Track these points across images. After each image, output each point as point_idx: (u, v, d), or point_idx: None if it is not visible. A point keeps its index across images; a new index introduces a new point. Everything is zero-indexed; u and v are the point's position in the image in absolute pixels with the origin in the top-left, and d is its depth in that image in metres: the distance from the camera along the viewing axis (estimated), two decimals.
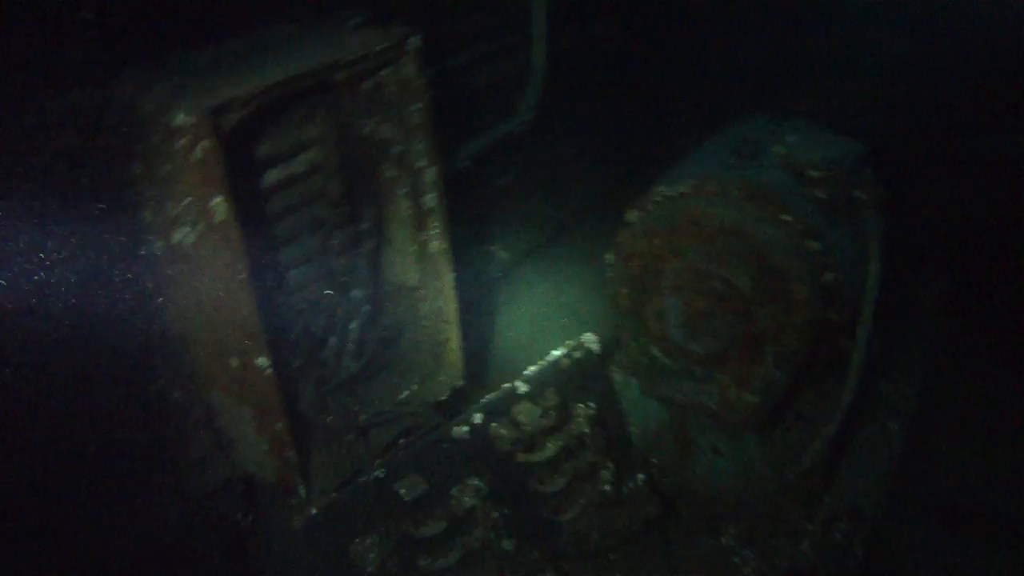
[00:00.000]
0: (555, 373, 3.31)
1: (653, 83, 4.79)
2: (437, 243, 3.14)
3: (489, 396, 3.17)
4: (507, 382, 3.24)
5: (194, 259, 2.57)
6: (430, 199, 3.09)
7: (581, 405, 3.34)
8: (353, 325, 3.05)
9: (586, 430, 3.31)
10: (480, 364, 3.59)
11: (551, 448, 3.22)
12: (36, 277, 2.43)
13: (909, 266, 4.45)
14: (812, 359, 3.40)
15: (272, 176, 2.79)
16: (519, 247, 4.10)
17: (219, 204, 2.45)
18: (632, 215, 3.46)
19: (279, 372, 2.68)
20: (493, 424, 3.12)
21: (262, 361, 2.62)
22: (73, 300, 2.52)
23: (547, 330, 3.96)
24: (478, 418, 3.11)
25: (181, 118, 2.37)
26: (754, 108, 4.07)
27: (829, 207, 3.43)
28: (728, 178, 3.37)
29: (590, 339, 3.42)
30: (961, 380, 4.33)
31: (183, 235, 2.55)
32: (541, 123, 4.02)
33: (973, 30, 4.39)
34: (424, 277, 3.19)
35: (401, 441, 3.07)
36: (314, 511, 2.79)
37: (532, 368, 3.27)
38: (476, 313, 3.63)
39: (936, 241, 4.72)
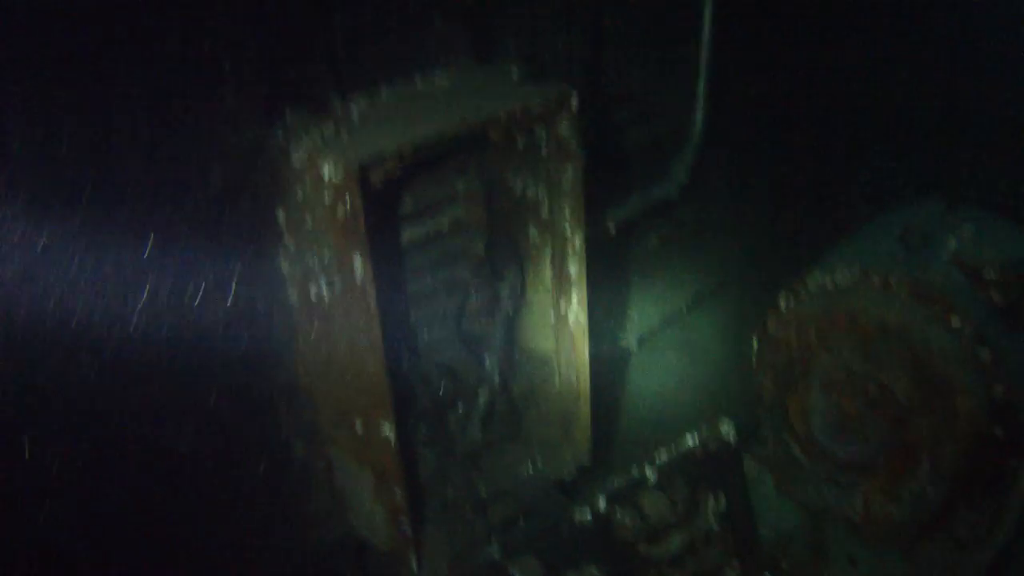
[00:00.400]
0: (686, 462, 3.12)
1: (813, 150, 4.56)
2: (576, 313, 2.99)
3: (615, 481, 3.01)
4: (635, 465, 3.07)
5: (327, 314, 2.51)
6: (574, 267, 2.96)
7: (711, 498, 3.15)
8: (482, 393, 2.93)
9: (714, 526, 3.11)
10: (608, 442, 3.43)
11: (676, 542, 3.04)
12: (174, 315, 2.42)
13: None
14: (972, 476, 3.12)
15: (416, 232, 2.72)
16: (656, 316, 3.91)
17: (358, 262, 2.37)
18: (783, 301, 3.26)
19: (402, 439, 2.58)
20: (617, 511, 2.96)
21: (386, 427, 2.52)
22: (205, 341, 2.50)
23: (680, 409, 3.77)
24: (602, 503, 2.95)
25: (329, 171, 2.30)
26: (926, 189, 3.80)
27: (1006, 312, 3.15)
28: (893, 273, 3.14)
29: (726, 427, 3.22)
30: None
31: (319, 288, 2.49)
32: (693, 187, 3.84)
33: None
34: (559, 347, 3.05)
35: (520, 520, 2.93)
36: None
37: (662, 454, 3.09)
38: (607, 386, 3.47)
39: None
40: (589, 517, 2.92)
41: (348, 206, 2.32)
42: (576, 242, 2.93)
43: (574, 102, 2.77)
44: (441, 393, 2.82)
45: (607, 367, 3.45)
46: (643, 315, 3.83)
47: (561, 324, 3.03)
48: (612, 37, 3.55)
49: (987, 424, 3.02)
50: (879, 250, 3.34)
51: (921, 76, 4.64)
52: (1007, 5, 4.23)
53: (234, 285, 2.50)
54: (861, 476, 3.15)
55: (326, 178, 2.31)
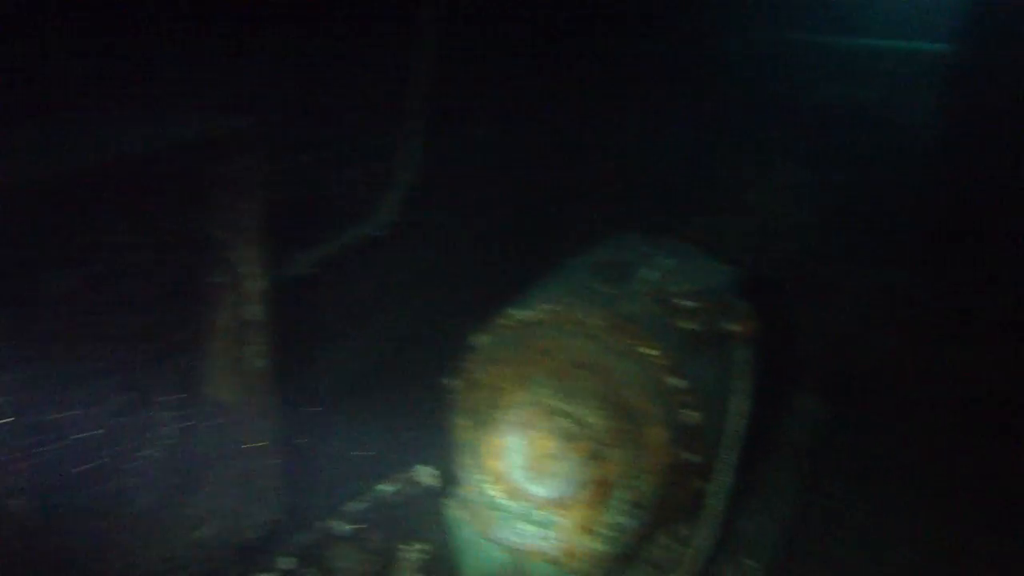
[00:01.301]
0: (381, 510, 2.99)
1: (529, 191, 4.60)
2: (258, 359, 2.83)
3: (302, 537, 2.83)
4: (325, 519, 2.91)
5: None
6: (254, 310, 2.80)
7: (410, 547, 3.03)
8: (149, 454, 2.69)
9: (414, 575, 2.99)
10: (302, 498, 3.22)
11: None
12: None
13: (781, 400, 4.27)
14: (668, 503, 3.15)
15: (62, 282, 2.47)
16: (365, 359, 3.79)
17: None
18: (478, 339, 3.19)
19: (42, 513, 2.31)
20: (305, 571, 2.79)
21: (16, 502, 2.25)
22: None
23: (382, 459, 3.62)
24: (287, 563, 2.76)
25: None
26: (631, 226, 3.87)
27: (697, 339, 3.21)
28: (587, 306, 3.14)
29: (425, 472, 3.12)
30: (831, 515, 4.10)
31: None
32: (403, 229, 3.76)
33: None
34: (242, 396, 2.87)
35: None
36: None
37: (354, 504, 2.95)
38: (304, 435, 3.28)
39: (813, 373, 4.56)
40: None
41: None
42: (255, 286, 2.78)
43: (250, 135, 2.64)
44: (95, 462, 2.56)
45: (304, 415, 3.28)
46: (351, 359, 3.70)
47: (244, 372, 2.85)
48: (322, 78, 3.45)
49: (679, 452, 3.06)
50: (577, 284, 3.34)
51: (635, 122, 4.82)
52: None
53: None
54: (559, 512, 3.10)
55: None
